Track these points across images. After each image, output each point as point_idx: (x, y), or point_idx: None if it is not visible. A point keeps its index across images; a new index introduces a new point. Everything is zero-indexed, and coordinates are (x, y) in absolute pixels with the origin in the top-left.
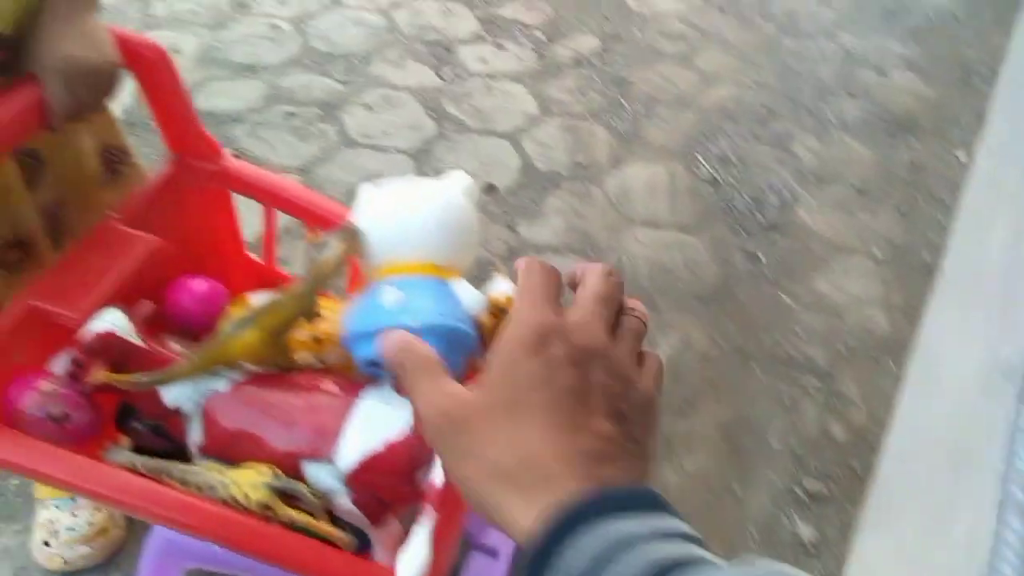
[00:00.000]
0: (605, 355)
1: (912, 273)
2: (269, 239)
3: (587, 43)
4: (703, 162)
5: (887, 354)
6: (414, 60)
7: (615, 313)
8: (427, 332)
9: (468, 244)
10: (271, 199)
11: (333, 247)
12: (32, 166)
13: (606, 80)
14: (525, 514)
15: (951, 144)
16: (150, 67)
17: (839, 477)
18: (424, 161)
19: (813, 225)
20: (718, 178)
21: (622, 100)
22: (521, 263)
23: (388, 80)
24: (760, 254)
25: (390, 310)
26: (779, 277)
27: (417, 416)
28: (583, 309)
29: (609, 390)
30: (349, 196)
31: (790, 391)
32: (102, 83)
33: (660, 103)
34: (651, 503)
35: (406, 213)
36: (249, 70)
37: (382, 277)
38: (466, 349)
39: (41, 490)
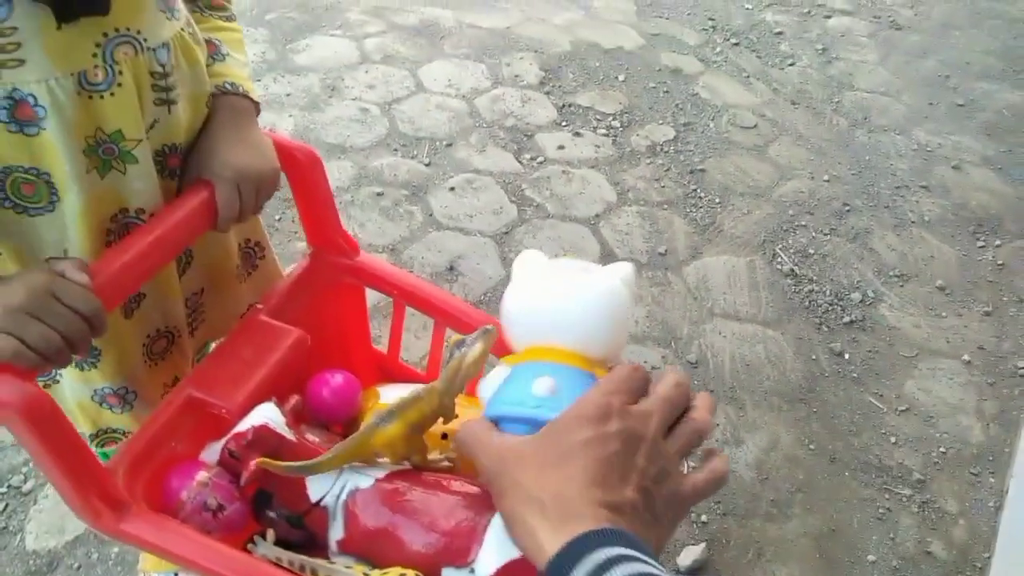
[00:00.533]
0: (653, 444)
1: (1005, 380)
2: (396, 332)
3: (661, 132)
4: (781, 255)
5: (984, 466)
6: (495, 145)
7: (676, 415)
8: None
9: (619, 339)
10: (402, 294)
11: (475, 347)
12: (184, 260)
13: (681, 169)
14: (549, 540)
15: None
16: (303, 170)
17: None
18: (506, 244)
19: (897, 324)
20: (797, 271)
21: (697, 189)
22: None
23: (471, 164)
24: (845, 352)
25: (540, 399)
26: (865, 377)
27: (478, 469)
28: (648, 404)
29: (645, 471)
30: (435, 277)
31: (883, 500)
32: (267, 188)
33: (735, 194)
34: (640, 548)
35: (567, 300)
36: (340, 150)
37: (531, 358)
38: None
39: (148, 561)
